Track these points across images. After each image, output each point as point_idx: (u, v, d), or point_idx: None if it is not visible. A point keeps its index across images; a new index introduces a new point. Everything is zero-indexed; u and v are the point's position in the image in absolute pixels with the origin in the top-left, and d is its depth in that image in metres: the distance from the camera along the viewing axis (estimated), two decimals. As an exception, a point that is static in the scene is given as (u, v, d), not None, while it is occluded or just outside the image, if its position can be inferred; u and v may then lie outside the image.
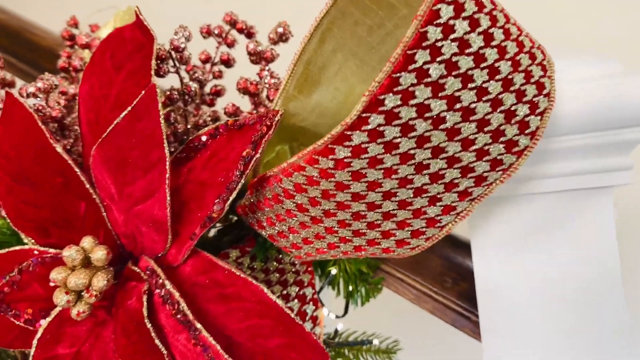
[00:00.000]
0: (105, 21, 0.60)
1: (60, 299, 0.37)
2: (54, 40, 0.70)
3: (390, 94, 0.30)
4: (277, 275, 0.47)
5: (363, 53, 0.43)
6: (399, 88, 0.30)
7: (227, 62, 0.50)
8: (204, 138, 0.39)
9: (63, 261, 0.41)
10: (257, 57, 0.48)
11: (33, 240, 0.44)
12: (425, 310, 0.53)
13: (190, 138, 0.40)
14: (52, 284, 0.41)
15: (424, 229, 0.36)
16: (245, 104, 0.51)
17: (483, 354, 0.46)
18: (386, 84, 0.29)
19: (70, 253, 0.37)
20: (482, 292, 0.46)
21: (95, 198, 0.41)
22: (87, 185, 0.40)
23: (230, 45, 0.49)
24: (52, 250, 0.43)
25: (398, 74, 0.29)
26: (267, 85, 0.51)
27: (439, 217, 0.35)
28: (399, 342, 0.52)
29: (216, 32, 0.48)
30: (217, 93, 0.51)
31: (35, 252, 0.43)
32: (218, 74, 0.50)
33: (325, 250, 0.41)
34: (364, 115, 0.30)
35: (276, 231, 0.41)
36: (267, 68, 0.48)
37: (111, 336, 0.41)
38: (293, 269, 0.48)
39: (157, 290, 0.37)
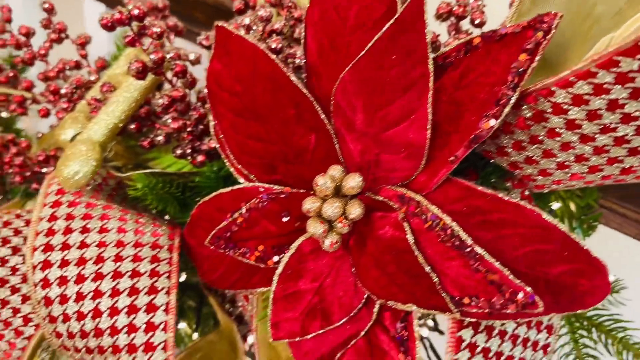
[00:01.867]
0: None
1: (316, 228, 0.36)
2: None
3: None
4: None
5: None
6: None
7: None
8: (449, 56, 0.36)
9: (295, 197, 0.40)
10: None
11: (254, 177, 0.43)
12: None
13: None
14: (284, 220, 0.40)
15: None
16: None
17: None
18: None
19: (324, 181, 0.36)
20: None
21: (329, 129, 0.39)
22: (323, 116, 0.38)
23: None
24: (277, 187, 0.41)
25: None
26: (472, 8, 0.47)
27: None
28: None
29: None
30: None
31: (261, 189, 0.42)
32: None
33: (582, 174, 0.37)
34: None
35: (523, 157, 0.38)
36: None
37: (350, 270, 0.39)
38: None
39: (417, 218, 0.35)
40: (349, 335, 0.40)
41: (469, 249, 0.33)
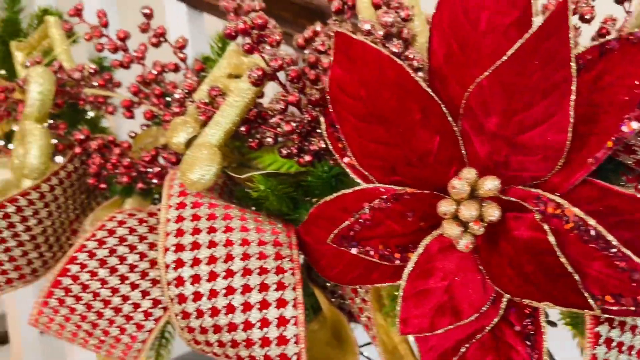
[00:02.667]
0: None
1: (452, 230, 0.37)
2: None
3: None
4: None
5: None
6: None
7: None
8: (582, 58, 0.36)
9: (419, 198, 0.41)
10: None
11: (373, 178, 0.44)
12: None
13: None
14: (409, 219, 0.42)
15: None
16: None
17: None
18: None
19: (461, 185, 0.37)
20: None
21: (455, 131, 0.40)
22: (450, 118, 0.39)
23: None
24: (398, 188, 0.43)
25: None
26: (582, 4, 0.47)
27: None
28: None
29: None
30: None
31: (381, 189, 0.43)
32: None
33: None
34: None
35: (655, 154, 0.38)
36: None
37: (478, 268, 0.41)
38: None
39: (556, 219, 0.36)
40: (474, 330, 0.42)
41: (614, 250, 0.33)
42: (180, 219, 0.49)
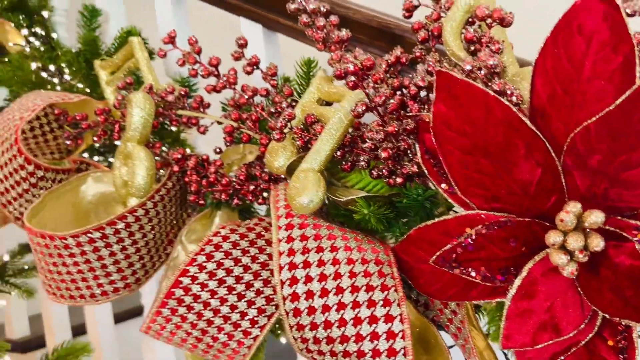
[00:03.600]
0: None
1: (560, 259, 0.41)
2: (368, 14, 0.74)
3: None
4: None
5: None
6: None
7: None
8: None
9: (521, 225, 0.45)
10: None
11: (473, 204, 0.48)
12: None
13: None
14: (512, 244, 0.46)
15: None
16: None
17: None
18: None
19: (570, 218, 0.41)
20: None
21: (557, 165, 0.43)
22: (553, 153, 0.43)
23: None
24: (497, 214, 0.47)
25: None
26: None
27: None
28: None
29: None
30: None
31: (483, 216, 0.47)
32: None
33: None
34: None
35: None
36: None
37: (576, 289, 0.44)
38: None
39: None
40: (570, 344, 0.46)
41: None
42: (290, 239, 0.54)
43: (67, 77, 1.01)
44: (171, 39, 0.73)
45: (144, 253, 0.72)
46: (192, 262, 0.62)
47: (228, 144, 0.78)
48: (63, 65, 0.98)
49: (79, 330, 1.40)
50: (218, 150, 0.80)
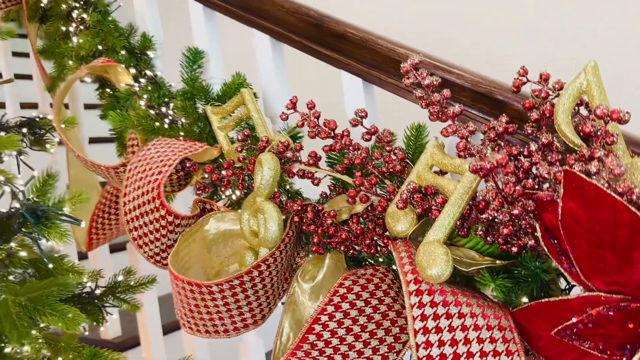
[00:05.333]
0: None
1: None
2: (472, 80, 0.80)
3: None
4: None
5: None
6: None
7: None
8: None
9: (636, 310, 0.52)
10: None
11: (594, 287, 0.55)
12: None
13: None
14: (630, 325, 0.53)
15: None
16: None
17: None
18: None
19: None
20: None
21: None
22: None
23: None
24: (618, 297, 0.54)
25: None
26: None
27: None
28: None
29: None
30: None
31: (602, 298, 0.54)
32: None
33: None
34: None
35: None
36: None
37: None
38: None
39: None
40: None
41: None
42: (421, 304, 0.62)
43: (171, 112, 1.11)
44: (293, 105, 0.81)
45: (270, 293, 0.81)
46: (323, 312, 0.71)
47: (333, 192, 0.87)
48: (171, 106, 1.08)
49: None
50: (324, 195, 0.89)
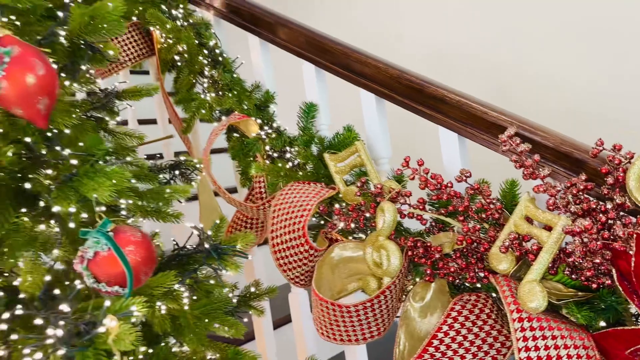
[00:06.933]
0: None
1: None
2: (555, 140, 0.99)
3: None
4: None
5: None
6: None
7: None
8: None
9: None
10: None
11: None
12: None
13: None
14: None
15: None
16: None
17: None
18: None
19: None
20: None
21: None
22: None
23: None
24: (678, 328, 0.72)
25: None
26: None
27: None
28: None
29: None
30: None
31: (665, 329, 0.73)
32: None
33: None
34: None
35: None
36: None
37: None
38: None
39: None
40: None
41: None
42: (522, 329, 0.82)
43: (289, 155, 1.35)
44: (407, 163, 1.02)
45: (390, 311, 1.03)
46: (439, 330, 0.92)
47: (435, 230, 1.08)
48: (294, 153, 1.32)
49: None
50: (427, 230, 1.10)
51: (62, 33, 0.89)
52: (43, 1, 0.92)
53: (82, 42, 0.96)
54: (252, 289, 1.39)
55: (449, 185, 1.01)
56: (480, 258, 0.98)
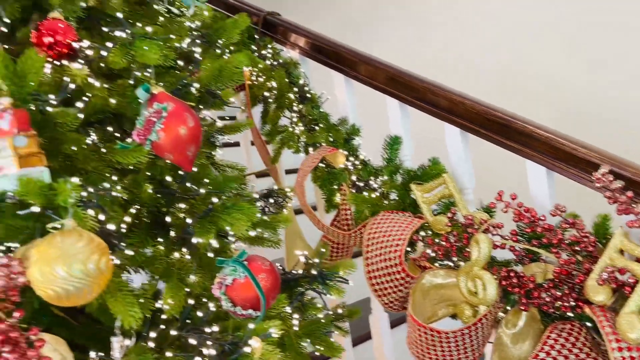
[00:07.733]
0: None
1: None
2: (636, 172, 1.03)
3: None
4: None
5: None
6: None
7: None
8: None
9: None
10: None
11: None
12: None
13: None
14: None
15: None
16: None
17: None
18: None
19: None
20: None
21: None
22: None
23: None
24: None
25: None
26: None
27: None
28: None
29: None
30: None
31: None
32: None
33: None
34: None
35: None
36: None
37: None
38: None
39: None
40: None
41: None
42: (622, 358, 0.86)
43: (375, 185, 1.44)
44: (500, 197, 1.09)
45: (485, 338, 1.09)
46: (536, 357, 0.98)
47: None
48: (379, 182, 1.41)
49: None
50: (518, 260, 1.15)
51: (196, 85, 1.01)
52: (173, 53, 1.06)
53: (207, 90, 1.09)
54: (339, 311, 1.48)
55: (543, 218, 1.07)
56: (572, 288, 1.03)
